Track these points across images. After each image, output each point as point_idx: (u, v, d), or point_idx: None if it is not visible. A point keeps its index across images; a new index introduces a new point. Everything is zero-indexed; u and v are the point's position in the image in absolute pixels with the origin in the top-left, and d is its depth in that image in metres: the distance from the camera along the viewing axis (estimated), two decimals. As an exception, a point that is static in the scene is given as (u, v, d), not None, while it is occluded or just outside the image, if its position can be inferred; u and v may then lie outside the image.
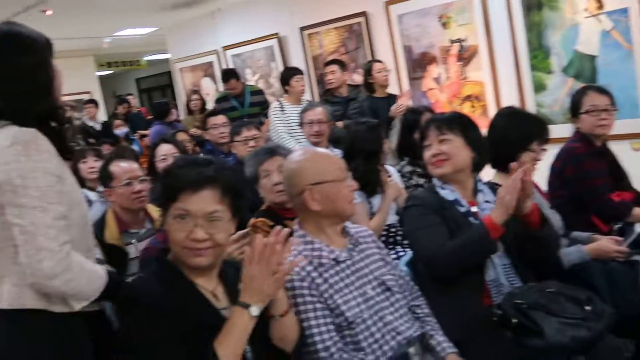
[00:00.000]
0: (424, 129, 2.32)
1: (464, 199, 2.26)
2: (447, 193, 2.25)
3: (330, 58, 6.40)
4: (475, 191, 2.30)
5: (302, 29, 6.72)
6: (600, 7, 4.58)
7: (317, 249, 1.94)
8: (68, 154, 1.72)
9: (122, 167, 2.84)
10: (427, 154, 2.28)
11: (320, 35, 6.60)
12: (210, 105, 8.02)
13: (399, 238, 3.23)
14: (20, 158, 1.53)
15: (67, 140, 1.74)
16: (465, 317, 2.07)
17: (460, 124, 2.28)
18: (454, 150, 2.23)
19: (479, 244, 2.06)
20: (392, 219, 3.25)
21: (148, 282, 1.64)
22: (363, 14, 6.10)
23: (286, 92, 5.36)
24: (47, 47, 1.69)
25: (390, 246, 3.16)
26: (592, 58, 4.69)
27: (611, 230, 2.80)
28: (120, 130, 7.83)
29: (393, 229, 3.23)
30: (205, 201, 1.61)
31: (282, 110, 5.16)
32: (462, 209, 2.23)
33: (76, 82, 10.31)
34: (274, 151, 2.81)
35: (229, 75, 6.22)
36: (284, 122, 5.10)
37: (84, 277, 1.59)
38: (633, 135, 4.46)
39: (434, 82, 5.75)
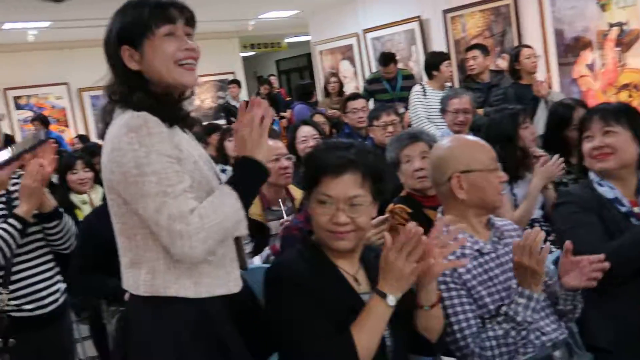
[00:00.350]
0: (585, 120, 2.19)
1: (626, 197, 2.10)
2: (606, 190, 2.10)
3: (473, 42, 6.21)
4: (639, 190, 2.13)
5: (446, 11, 6.57)
6: None
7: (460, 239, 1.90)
8: (177, 121, 1.63)
9: (270, 144, 2.96)
10: (588, 146, 2.13)
11: (463, 18, 6.42)
12: (351, 88, 8.14)
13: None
14: (134, 146, 1.47)
15: (178, 110, 1.64)
16: (621, 326, 1.94)
17: (628, 115, 2.12)
18: (619, 143, 2.08)
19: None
20: (537, 213, 3.10)
21: (294, 261, 1.69)
22: (512, -5, 5.85)
23: (431, 77, 5.24)
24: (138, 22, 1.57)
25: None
26: None
27: None
28: None
29: (536, 225, 3.09)
30: (346, 186, 1.63)
31: (425, 95, 5.09)
32: (623, 209, 2.07)
33: (222, 62, 10.88)
34: (417, 137, 2.78)
35: (389, 59, 6.02)
36: (425, 107, 5.02)
37: (219, 222, 1.50)
38: None
39: (586, 69, 5.39)
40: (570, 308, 1.90)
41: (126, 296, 1.66)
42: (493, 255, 1.91)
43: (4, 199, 2.06)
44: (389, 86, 6.04)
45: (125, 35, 1.58)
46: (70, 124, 9.45)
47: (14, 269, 2.03)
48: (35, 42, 8.10)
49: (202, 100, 10.85)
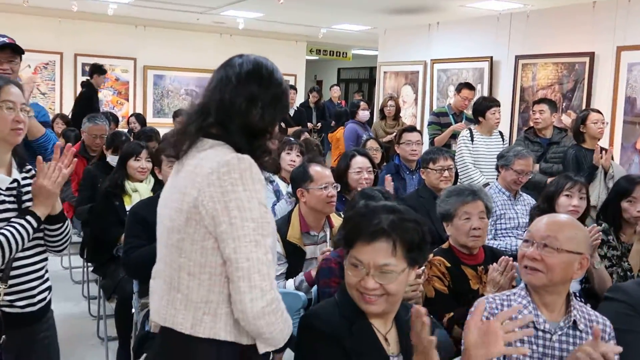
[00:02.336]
0: None
1: None
2: None
3: (541, 92, 6.17)
4: None
5: (518, 57, 6.53)
6: None
7: (524, 306, 1.90)
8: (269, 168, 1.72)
9: (320, 172, 3.01)
10: None
11: (536, 67, 6.37)
12: (408, 113, 8.13)
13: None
14: (238, 188, 1.50)
15: (269, 162, 1.69)
16: None
17: None
18: None
19: None
20: (575, 287, 3.07)
21: (330, 313, 1.73)
22: (590, 54, 5.78)
23: (478, 122, 5.20)
24: (280, 87, 1.68)
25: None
26: None
27: None
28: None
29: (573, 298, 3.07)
30: (377, 253, 1.66)
31: (472, 140, 5.07)
32: None
33: (286, 63, 11.01)
34: (478, 195, 2.78)
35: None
36: (471, 152, 5.00)
37: (282, 324, 1.56)
38: None
39: (651, 142, 5.30)
40: None
41: (154, 328, 1.69)
42: (547, 336, 1.88)
43: (14, 192, 2.06)
44: (455, 122, 5.93)
45: None
46: (130, 98, 9.74)
47: (13, 264, 2.04)
48: (114, 16, 8.38)
49: (260, 98, 11.01)
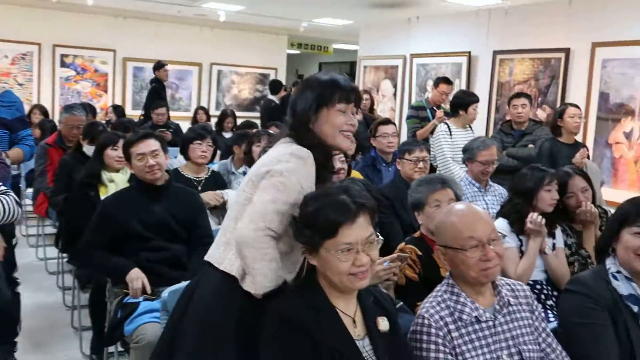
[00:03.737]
0: (638, 212, 2.11)
1: None
2: (621, 286, 2.09)
3: (518, 88, 6.24)
4: None
5: (496, 52, 6.60)
6: None
7: (461, 303, 1.92)
8: (324, 178, 1.99)
9: None
10: (637, 244, 2.07)
11: (513, 62, 6.44)
12: (387, 107, 8.19)
13: (543, 297, 3.11)
14: (290, 163, 1.87)
15: (328, 169, 2.01)
16: None
17: None
18: None
19: None
20: (539, 275, 3.13)
21: (296, 304, 1.74)
22: (565, 50, 5.86)
23: (456, 115, 5.22)
24: (326, 95, 1.96)
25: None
26: None
27: None
28: None
29: (538, 286, 3.12)
30: (361, 229, 1.72)
31: (450, 135, 5.10)
32: (636, 308, 2.06)
33: (267, 57, 11.03)
34: (448, 184, 2.83)
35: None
36: (451, 147, 5.04)
37: (268, 270, 1.81)
38: None
39: (623, 137, 5.38)
40: None
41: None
42: (490, 323, 1.91)
43: None
44: (432, 116, 5.96)
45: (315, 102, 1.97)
46: (109, 90, 9.66)
47: None
48: (93, 6, 8.30)
49: (239, 91, 11.00)
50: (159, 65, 8.34)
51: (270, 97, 9.34)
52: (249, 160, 4.23)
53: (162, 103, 7.60)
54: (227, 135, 7.10)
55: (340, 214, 1.70)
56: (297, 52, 13.85)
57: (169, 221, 2.94)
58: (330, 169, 2.04)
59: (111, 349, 3.07)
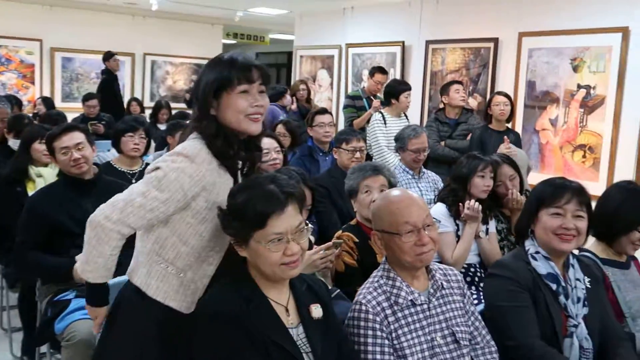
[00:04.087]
0: (557, 196, 2.18)
1: (558, 271, 2.18)
2: (540, 265, 2.18)
3: (450, 77, 6.37)
4: (567, 265, 2.23)
5: (429, 42, 6.71)
6: None
7: (397, 287, 1.95)
8: (226, 161, 1.86)
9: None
10: (556, 223, 2.15)
11: (445, 52, 6.57)
12: (324, 97, 8.20)
13: (477, 279, 3.21)
14: (176, 161, 1.76)
15: (228, 155, 1.85)
16: None
17: (589, 202, 2.21)
18: (585, 227, 2.17)
19: None
20: (474, 259, 3.23)
21: (227, 296, 1.71)
22: (494, 40, 6.02)
23: (389, 104, 5.30)
24: (224, 77, 1.80)
25: (466, 286, 3.14)
26: None
27: None
28: None
29: (472, 269, 3.22)
30: (290, 218, 1.70)
31: (385, 124, 5.17)
32: (554, 286, 2.15)
33: (202, 47, 10.82)
34: (379, 170, 2.87)
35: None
36: (386, 136, 5.10)
37: (99, 257, 1.77)
38: None
39: (549, 123, 5.59)
40: None
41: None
42: (425, 306, 1.96)
43: None
44: (369, 106, 5.98)
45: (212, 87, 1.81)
46: (37, 82, 9.26)
47: None
48: (17, -6, 7.94)
49: (174, 82, 10.78)
50: (108, 56, 8.08)
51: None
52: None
53: (93, 94, 7.39)
54: (162, 127, 6.94)
55: (269, 205, 1.68)
56: (234, 42, 13.66)
57: None
58: (235, 158, 1.89)
59: (43, 349, 2.96)
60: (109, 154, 4.52)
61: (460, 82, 5.41)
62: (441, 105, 5.39)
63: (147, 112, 8.11)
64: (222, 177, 1.83)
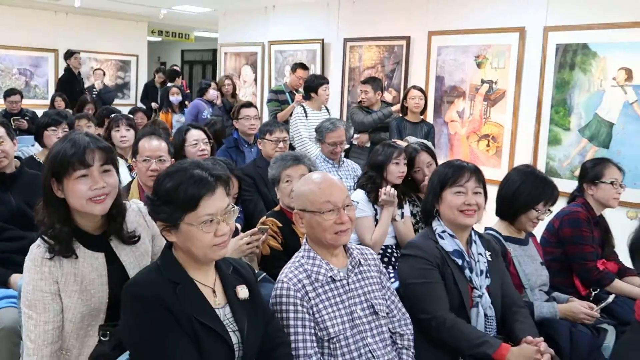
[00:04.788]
0: (457, 175, 2.25)
1: (463, 247, 2.27)
2: (446, 243, 2.25)
3: (367, 72, 6.47)
4: (470, 241, 2.31)
5: (346, 40, 6.78)
6: (629, 79, 4.59)
7: (317, 265, 1.98)
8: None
9: (143, 145, 2.93)
10: (459, 201, 2.22)
11: (362, 49, 6.65)
12: (248, 92, 8.12)
13: (393, 259, 3.30)
14: (30, 270, 1.83)
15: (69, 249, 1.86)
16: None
17: (484, 178, 2.31)
18: (482, 202, 2.26)
19: (477, 350, 2.07)
20: (390, 241, 3.31)
21: (153, 280, 1.67)
22: (406, 38, 6.15)
23: (309, 98, 5.36)
24: (58, 169, 1.80)
25: (384, 265, 3.23)
26: (610, 125, 4.70)
27: (589, 295, 2.84)
28: (175, 97, 7.65)
29: (389, 250, 3.30)
30: (219, 199, 1.68)
31: (306, 116, 5.21)
32: (459, 261, 2.23)
33: (127, 44, 10.48)
34: (300, 160, 2.89)
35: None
36: (307, 127, 5.14)
37: None
38: (631, 204, 4.46)
39: (457, 115, 5.78)
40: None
41: None
42: (344, 282, 2.00)
43: None
44: (291, 100, 6.00)
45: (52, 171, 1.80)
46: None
47: None
48: None
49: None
50: (69, 54, 7.95)
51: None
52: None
53: (15, 90, 7.01)
54: (88, 122, 6.67)
55: (200, 187, 1.66)
56: (159, 39, 13.30)
57: (24, 209, 2.72)
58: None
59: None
60: (33, 149, 4.32)
61: (370, 81, 5.48)
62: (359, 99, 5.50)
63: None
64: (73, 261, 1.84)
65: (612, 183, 2.96)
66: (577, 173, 4.79)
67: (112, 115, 4.28)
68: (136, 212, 2.02)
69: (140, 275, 1.73)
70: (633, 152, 4.52)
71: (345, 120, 5.77)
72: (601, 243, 2.99)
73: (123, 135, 4.01)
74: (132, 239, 1.93)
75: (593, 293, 2.79)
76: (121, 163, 3.80)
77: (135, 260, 1.94)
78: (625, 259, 3.12)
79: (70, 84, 7.79)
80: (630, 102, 4.59)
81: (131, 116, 4.57)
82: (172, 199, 1.66)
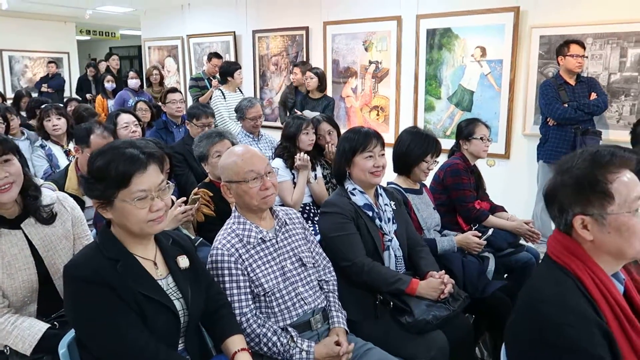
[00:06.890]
0: (366, 142, 2.11)
1: (372, 201, 2.15)
2: (358, 198, 2.13)
3: (274, 59, 6.19)
4: (377, 195, 2.21)
5: (255, 31, 6.41)
6: (484, 55, 4.66)
7: (247, 229, 1.79)
8: None
9: (98, 140, 2.60)
10: (370, 164, 2.10)
11: (268, 39, 6.33)
12: (173, 81, 7.57)
13: (312, 215, 3.15)
14: None
15: None
16: (362, 304, 2.01)
17: (384, 142, 2.20)
18: (386, 162, 2.15)
19: (393, 287, 1.97)
20: (307, 199, 3.16)
21: (92, 259, 1.42)
22: (305, 28, 5.90)
23: (226, 82, 5.05)
24: None
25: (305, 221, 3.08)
26: (471, 93, 4.77)
27: (470, 229, 2.84)
28: (110, 84, 7.01)
29: (308, 208, 3.15)
30: (152, 176, 1.44)
31: (224, 98, 4.92)
32: (370, 213, 2.12)
33: (57, 43, 9.47)
34: (224, 135, 2.65)
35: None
36: (227, 108, 4.86)
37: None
38: (490, 155, 4.58)
39: (351, 91, 5.67)
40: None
41: None
42: (274, 241, 1.83)
43: None
44: (209, 85, 5.66)
45: None
46: None
47: None
48: None
49: (34, 74, 9.30)
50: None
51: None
52: (44, 134, 3.56)
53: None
54: (24, 113, 5.92)
55: (131, 164, 1.40)
56: (87, 38, 12.16)
57: None
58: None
59: None
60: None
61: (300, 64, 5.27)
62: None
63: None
64: None
65: (481, 138, 2.94)
66: (448, 132, 4.89)
67: (43, 106, 3.75)
68: (53, 198, 1.76)
69: (80, 256, 1.45)
70: (489, 114, 4.62)
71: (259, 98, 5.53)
72: (476, 187, 2.99)
73: (55, 124, 3.54)
74: (50, 219, 1.69)
75: (473, 228, 2.79)
76: (57, 149, 3.37)
77: (50, 243, 1.69)
78: (494, 198, 3.18)
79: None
80: (485, 74, 4.67)
81: (61, 105, 4.04)
82: (104, 176, 1.39)
